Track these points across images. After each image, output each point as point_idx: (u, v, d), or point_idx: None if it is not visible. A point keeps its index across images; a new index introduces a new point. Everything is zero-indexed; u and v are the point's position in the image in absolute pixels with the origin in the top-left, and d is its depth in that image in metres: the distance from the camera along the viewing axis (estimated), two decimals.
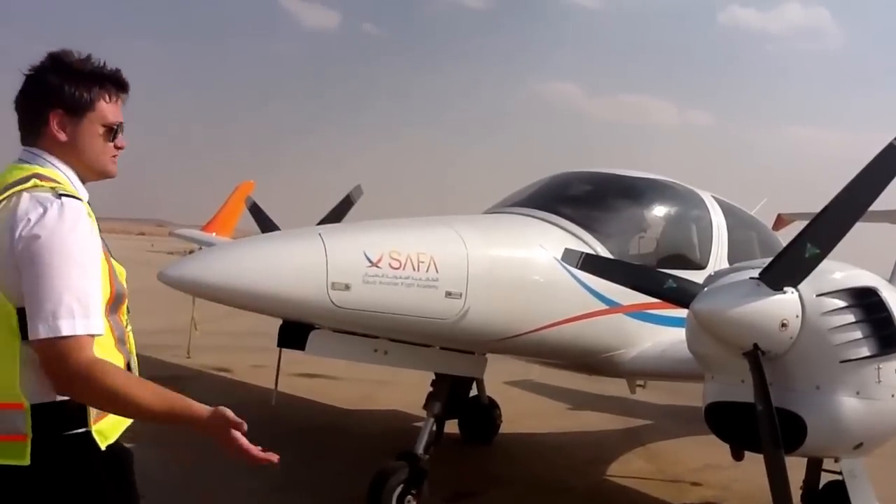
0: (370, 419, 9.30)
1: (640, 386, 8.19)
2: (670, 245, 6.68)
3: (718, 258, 6.71)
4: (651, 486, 7.35)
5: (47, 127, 2.30)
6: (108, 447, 2.22)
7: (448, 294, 5.05)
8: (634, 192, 6.66)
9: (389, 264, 4.86)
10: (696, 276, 6.52)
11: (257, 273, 4.54)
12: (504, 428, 8.68)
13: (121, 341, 2.30)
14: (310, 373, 10.71)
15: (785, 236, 8.33)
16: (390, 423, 9.08)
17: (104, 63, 2.39)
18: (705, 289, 4.45)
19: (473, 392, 8.26)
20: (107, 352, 2.19)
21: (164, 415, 2.12)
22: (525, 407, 10.36)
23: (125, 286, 2.36)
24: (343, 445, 7.90)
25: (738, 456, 5.01)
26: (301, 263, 4.68)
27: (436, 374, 6.16)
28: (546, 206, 6.10)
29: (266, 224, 8.35)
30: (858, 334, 4.23)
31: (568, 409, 10.80)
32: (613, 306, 5.77)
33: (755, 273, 4.39)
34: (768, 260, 4.50)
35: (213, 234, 13.70)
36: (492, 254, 5.34)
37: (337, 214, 7.48)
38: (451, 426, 8.12)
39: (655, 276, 4.95)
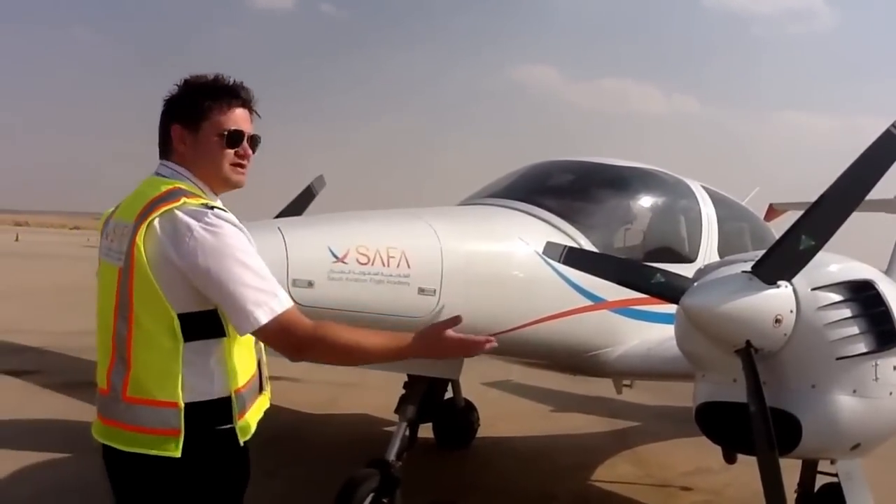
0: (336, 424, 9.40)
1: (626, 386, 8.36)
2: (658, 237, 6.82)
3: (708, 251, 6.86)
4: (638, 491, 7.52)
5: (171, 140, 2.75)
6: (245, 443, 2.69)
7: (421, 291, 5.14)
8: (619, 181, 6.78)
9: (357, 259, 4.93)
10: (686, 270, 6.66)
11: None
12: (482, 431, 8.82)
13: (256, 341, 2.77)
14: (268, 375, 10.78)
15: (777, 227, 8.54)
16: (358, 429, 9.18)
17: (225, 78, 2.78)
18: (695, 283, 4.59)
19: (449, 394, 8.40)
20: (245, 350, 2.70)
21: (390, 353, 2.70)
22: (505, 409, 10.51)
23: None
24: (307, 453, 7.97)
25: (730, 459, 5.19)
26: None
27: (409, 375, 6.27)
28: (526, 197, 6.19)
29: None
30: (855, 330, 4.37)
31: (551, 410, 10.95)
32: (598, 302, 5.90)
33: (747, 266, 4.51)
34: (761, 252, 4.64)
35: None
36: (468, 248, 5.42)
37: (297, 207, 7.46)
38: (426, 430, 8.27)
39: (642, 271, 5.08)
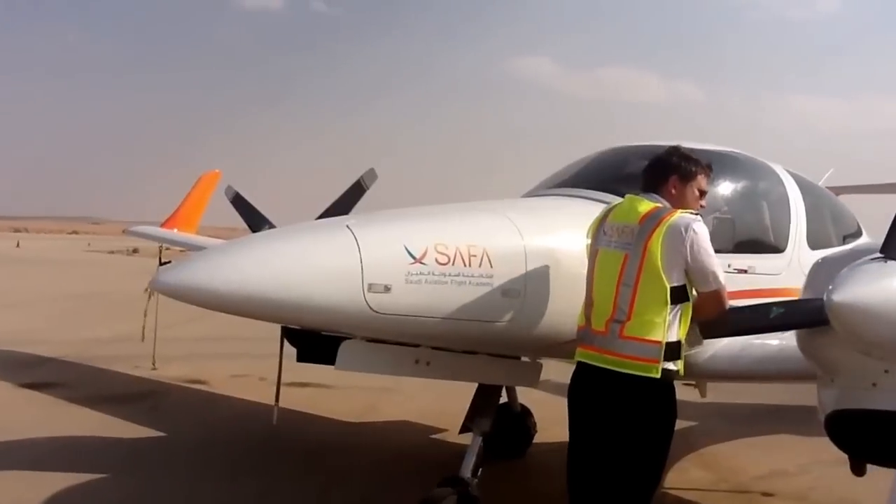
0: (380, 434, 8.84)
1: (692, 385, 7.82)
2: (747, 227, 6.16)
3: (798, 240, 6.31)
4: (717, 498, 7.04)
5: (666, 185, 4.35)
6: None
7: (504, 292, 4.60)
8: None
9: (436, 259, 4.39)
10: (774, 261, 6.15)
11: (276, 277, 4.05)
12: (537, 437, 8.24)
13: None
14: (300, 381, 10.17)
15: None
16: (404, 438, 8.68)
17: (697, 157, 4.51)
18: (835, 279, 3.96)
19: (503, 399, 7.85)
20: (688, 313, 4.14)
21: None
22: (551, 412, 9.77)
23: None
24: (359, 466, 7.44)
25: (859, 471, 4.58)
26: (329, 263, 4.19)
27: (480, 385, 5.75)
28: (604, 186, 5.59)
29: (254, 218, 7.67)
30: None
31: None
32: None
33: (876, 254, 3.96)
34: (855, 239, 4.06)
35: (175, 230, 13.09)
36: (551, 244, 4.88)
37: (345, 204, 6.86)
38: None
39: (756, 312, 4.38)
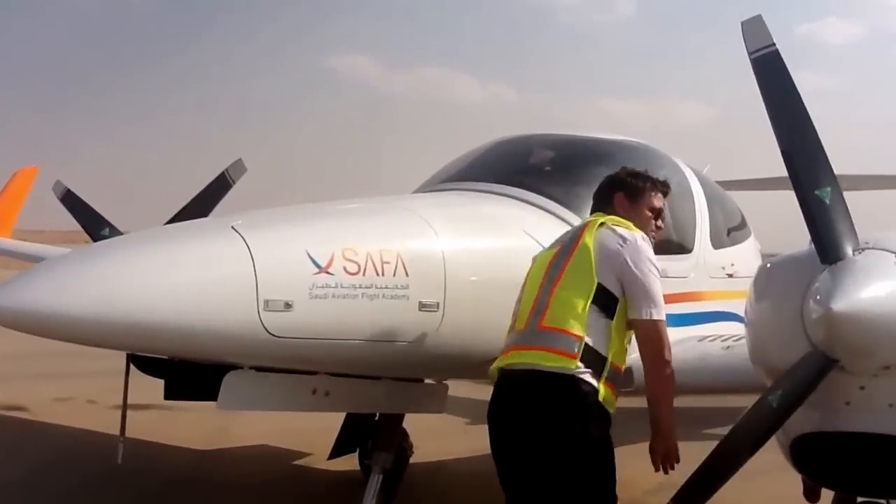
0: (240, 463, 7.84)
1: None
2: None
3: (702, 240, 5.88)
4: None
5: (612, 203, 3.92)
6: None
7: (422, 306, 3.86)
8: (613, 158, 5.41)
9: (344, 268, 3.61)
10: (683, 263, 5.63)
11: (148, 295, 3.17)
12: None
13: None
14: (139, 403, 8.93)
15: None
16: (268, 465, 7.73)
17: (653, 175, 4.11)
18: (818, 285, 3.37)
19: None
20: (621, 340, 3.57)
21: (669, 418, 3.75)
22: (421, 426, 9.18)
23: None
24: None
25: (813, 497, 4.04)
26: (215, 276, 3.35)
27: (380, 415, 4.97)
28: (511, 180, 4.98)
29: (91, 219, 6.63)
30: None
31: (467, 423, 9.74)
32: None
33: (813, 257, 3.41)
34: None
35: None
36: (471, 246, 4.20)
37: (206, 202, 5.88)
38: (350, 461, 7.03)
39: (756, 414, 3.59)
